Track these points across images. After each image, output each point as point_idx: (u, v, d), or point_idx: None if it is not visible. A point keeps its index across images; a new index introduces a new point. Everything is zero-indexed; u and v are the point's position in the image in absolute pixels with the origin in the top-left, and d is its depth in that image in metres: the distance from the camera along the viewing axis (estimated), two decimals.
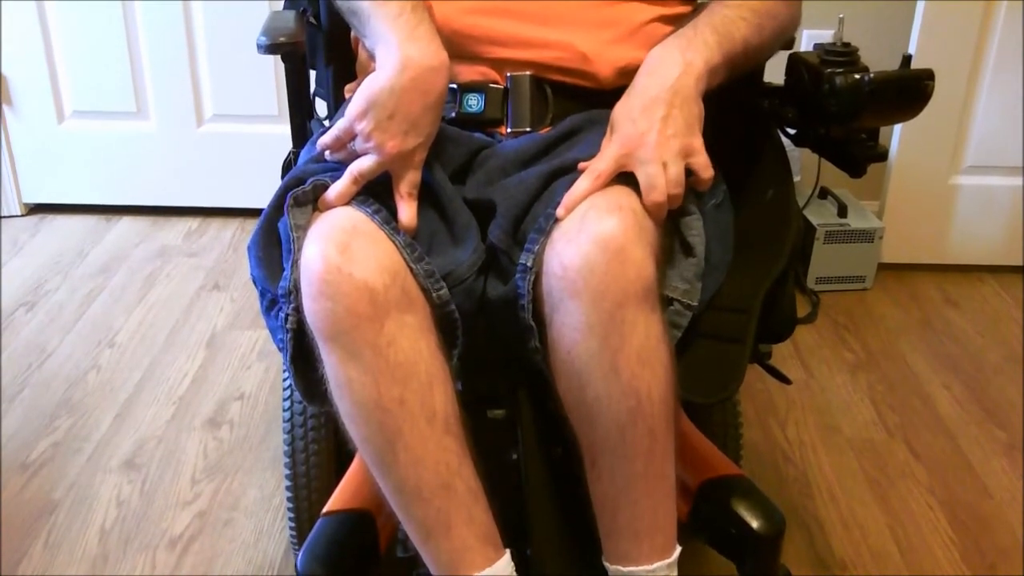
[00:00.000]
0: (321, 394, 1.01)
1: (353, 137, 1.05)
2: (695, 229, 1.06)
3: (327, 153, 1.09)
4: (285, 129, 1.38)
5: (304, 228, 1.01)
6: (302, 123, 1.35)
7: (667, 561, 1.04)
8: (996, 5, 2.16)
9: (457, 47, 1.15)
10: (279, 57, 1.30)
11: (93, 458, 1.71)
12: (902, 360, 2.04)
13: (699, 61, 1.07)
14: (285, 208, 1.02)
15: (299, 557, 1.14)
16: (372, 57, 1.08)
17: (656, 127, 1.02)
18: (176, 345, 2.05)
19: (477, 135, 1.17)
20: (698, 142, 1.04)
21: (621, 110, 1.06)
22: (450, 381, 1.01)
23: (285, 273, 1.00)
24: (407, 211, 1.05)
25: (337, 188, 1.04)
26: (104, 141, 2.59)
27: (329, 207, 1.03)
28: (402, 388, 0.97)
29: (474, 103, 1.17)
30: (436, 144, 1.10)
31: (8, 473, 1.66)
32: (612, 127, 1.06)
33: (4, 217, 2.63)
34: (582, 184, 1.01)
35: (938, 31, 2.16)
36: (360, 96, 1.03)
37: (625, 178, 1.03)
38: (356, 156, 1.05)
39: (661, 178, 1.01)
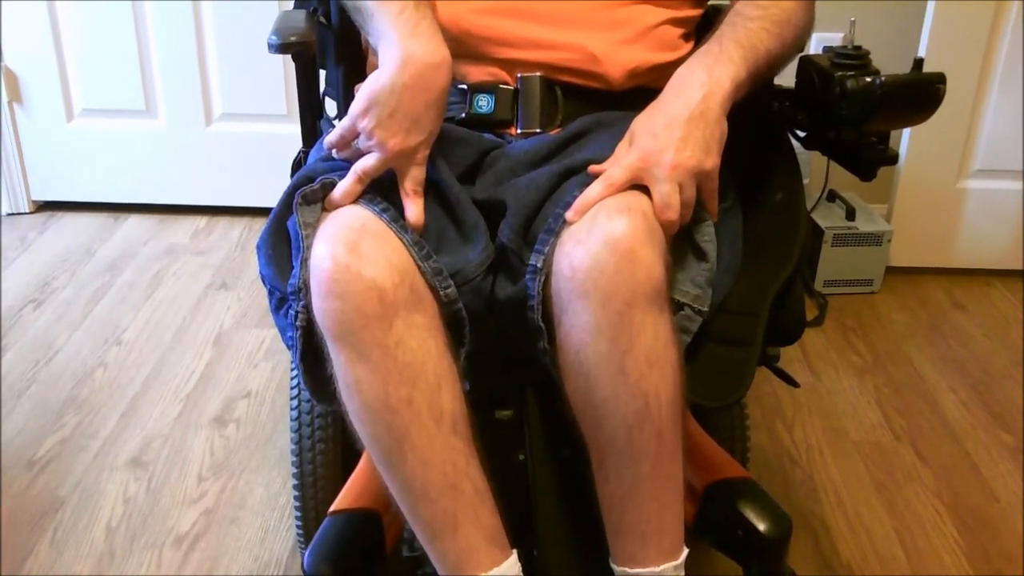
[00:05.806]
0: (330, 393, 1.01)
1: (356, 135, 1.05)
2: (707, 235, 1.06)
3: (334, 151, 1.09)
4: (294, 129, 1.38)
5: (313, 226, 1.01)
6: (312, 123, 1.35)
7: (674, 563, 1.04)
8: (1007, 6, 2.16)
9: (467, 47, 1.15)
10: (288, 56, 1.29)
11: (100, 455, 1.71)
12: (909, 364, 2.04)
13: (726, 80, 1.06)
14: (294, 206, 1.02)
15: (305, 556, 1.14)
16: (375, 54, 1.08)
17: (675, 146, 1.02)
18: (183, 343, 2.05)
19: (487, 136, 1.17)
20: (713, 166, 1.04)
21: (643, 123, 1.05)
22: (458, 381, 1.01)
23: (294, 271, 1.00)
24: (413, 208, 1.05)
25: (342, 187, 1.04)
26: (113, 139, 2.60)
27: (336, 206, 1.04)
28: (410, 388, 0.97)
29: (484, 104, 1.17)
30: (445, 144, 1.10)
31: (15, 470, 1.67)
32: (632, 138, 1.05)
33: (13, 214, 2.63)
34: (595, 189, 1.01)
35: (948, 33, 2.16)
36: (362, 94, 1.04)
37: None
38: (361, 154, 1.05)
39: (676, 198, 1.01)
